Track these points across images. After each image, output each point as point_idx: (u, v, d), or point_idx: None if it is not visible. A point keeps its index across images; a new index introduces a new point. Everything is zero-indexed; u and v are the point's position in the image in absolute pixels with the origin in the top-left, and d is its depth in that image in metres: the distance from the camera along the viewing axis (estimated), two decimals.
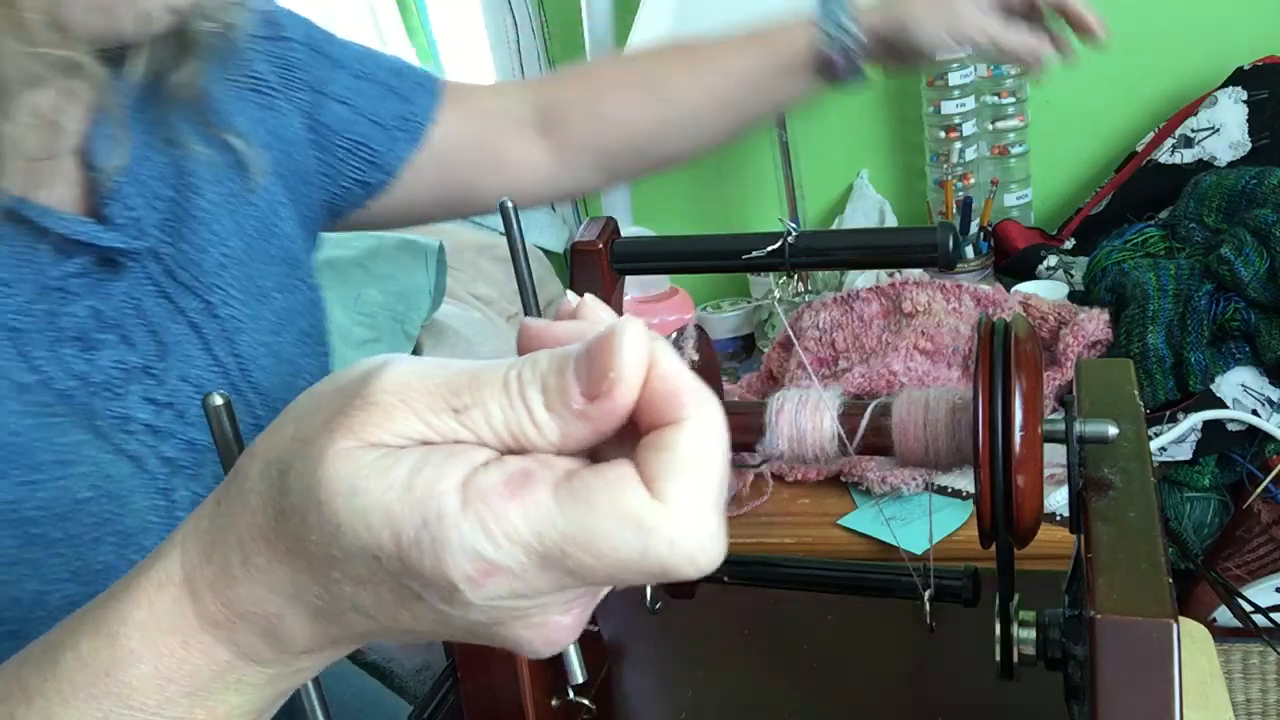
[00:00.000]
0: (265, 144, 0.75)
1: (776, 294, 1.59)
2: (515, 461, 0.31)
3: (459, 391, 0.31)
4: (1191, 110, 1.58)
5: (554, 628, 0.33)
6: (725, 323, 1.72)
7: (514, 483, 0.30)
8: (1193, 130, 1.56)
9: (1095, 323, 1.25)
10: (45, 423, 0.60)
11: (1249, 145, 1.51)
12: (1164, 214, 1.48)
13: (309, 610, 0.33)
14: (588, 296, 0.37)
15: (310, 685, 0.41)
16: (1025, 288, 1.49)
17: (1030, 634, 0.51)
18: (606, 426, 0.31)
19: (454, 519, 0.30)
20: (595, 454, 0.32)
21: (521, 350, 0.35)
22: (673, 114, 0.90)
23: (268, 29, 0.79)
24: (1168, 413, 1.23)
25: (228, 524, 0.34)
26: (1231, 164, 1.52)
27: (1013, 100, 1.68)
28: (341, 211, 0.84)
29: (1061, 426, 0.47)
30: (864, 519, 1.12)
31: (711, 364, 0.64)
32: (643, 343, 0.31)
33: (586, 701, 0.61)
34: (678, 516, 0.29)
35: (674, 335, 0.57)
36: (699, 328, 0.54)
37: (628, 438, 0.31)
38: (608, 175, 0.94)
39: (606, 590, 0.35)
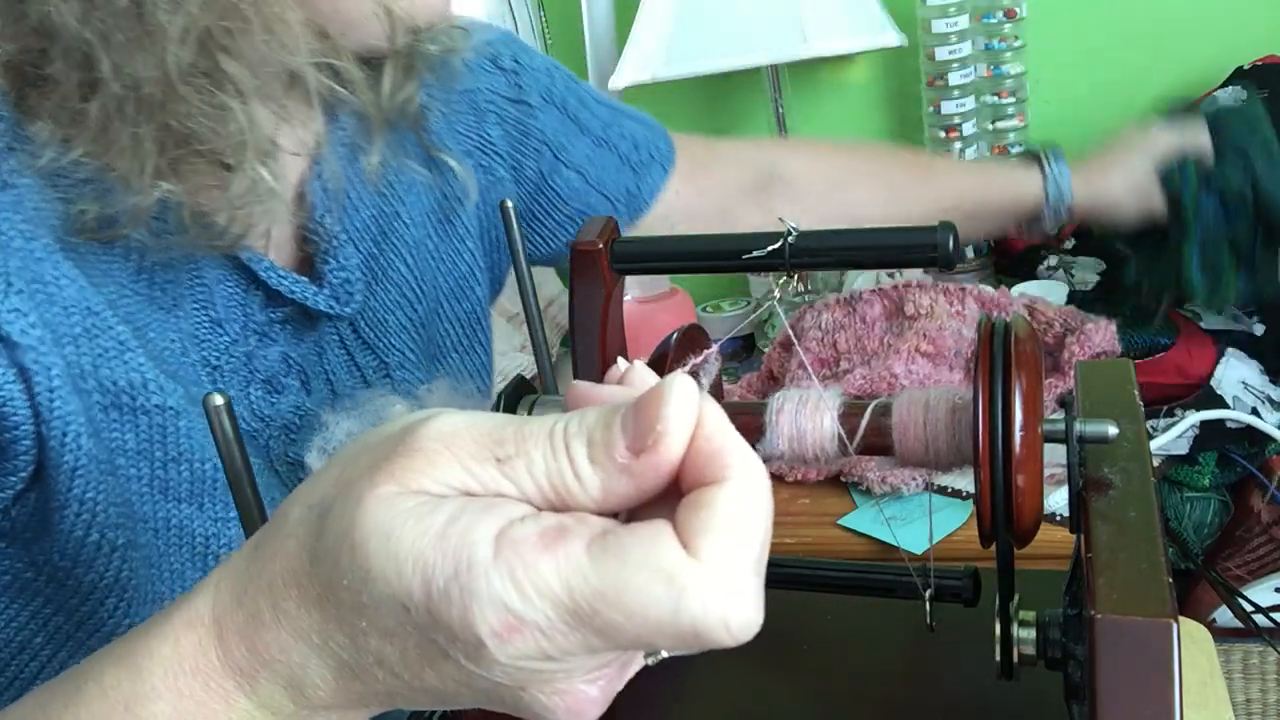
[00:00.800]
0: (477, 206, 0.76)
1: (776, 294, 1.58)
2: (552, 517, 0.30)
3: (503, 441, 0.31)
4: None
5: (579, 697, 0.31)
6: (725, 323, 1.72)
7: (548, 536, 0.29)
8: None
9: (1102, 333, 1.24)
10: None
11: None
12: None
13: (334, 663, 0.33)
14: (636, 363, 0.37)
15: None
16: (1025, 288, 1.49)
17: (1030, 634, 0.51)
18: (649, 483, 0.30)
19: (484, 568, 0.29)
20: (635, 518, 0.31)
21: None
22: (901, 217, 1.00)
23: (511, 91, 0.81)
24: (1164, 408, 1.24)
25: (262, 568, 0.34)
26: None
27: (1013, 100, 1.68)
28: (543, 263, 0.87)
29: (1061, 426, 0.47)
30: (864, 519, 1.12)
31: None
32: (691, 399, 0.30)
33: None
34: (712, 575, 0.28)
35: (669, 343, 0.57)
36: (720, 355, 0.54)
37: (669, 503, 0.31)
38: None
39: (636, 666, 0.34)
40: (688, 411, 0.30)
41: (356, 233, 0.69)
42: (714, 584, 0.28)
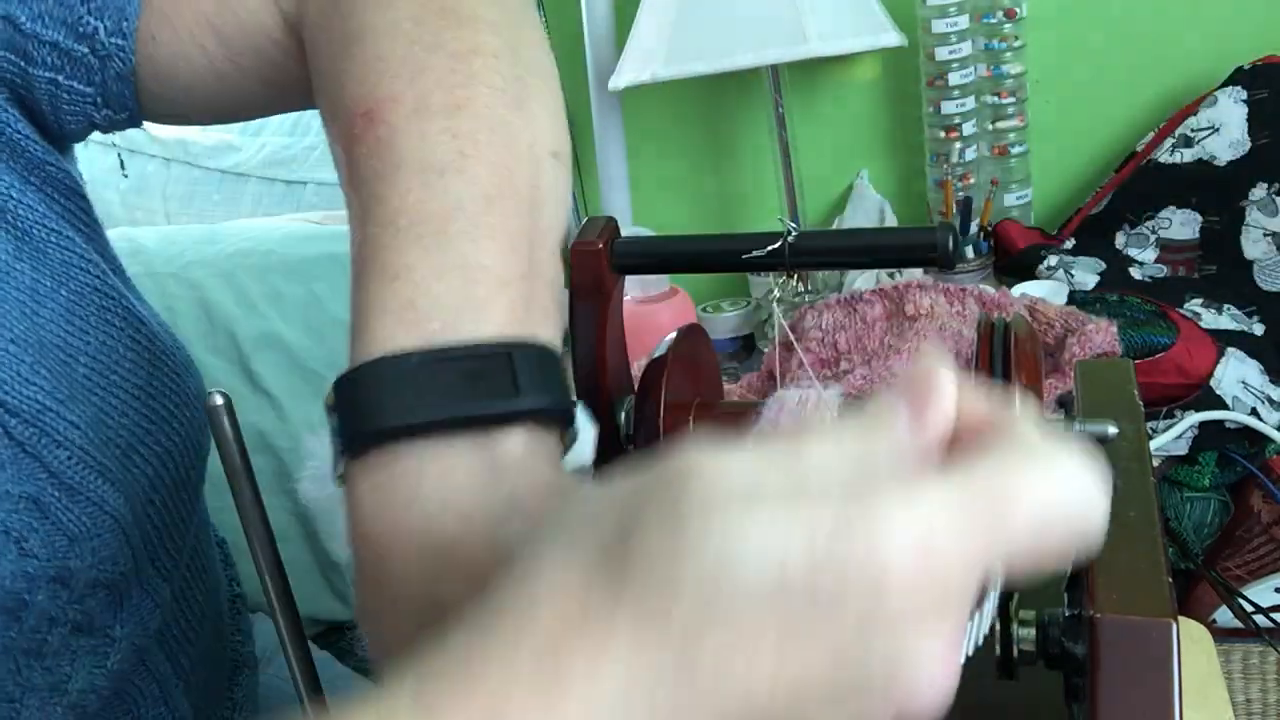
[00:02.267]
0: None
1: (776, 294, 1.58)
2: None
3: (786, 440, 0.30)
4: (1191, 110, 1.58)
5: (945, 660, 0.29)
6: (725, 323, 1.72)
7: (910, 469, 0.30)
8: (1193, 130, 1.56)
9: (1103, 335, 1.24)
10: None
11: (1249, 145, 1.51)
12: None
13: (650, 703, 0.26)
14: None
15: (305, 695, 0.40)
16: (1026, 288, 1.49)
17: (1030, 633, 0.51)
18: (934, 434, 0.31)
19: (872, 498, 0.27)
20: None
21: None
22: None
23: None
24: (1164, 408, 1.24)
25: (495, 642, 0.27)
26: (1231, 163, 1.52)
27: (1013, 100, 1.68)
28: (112, 132, 0.66)
29: (1061, 426, 0.47)
30: None
31: (712, 364, 0.64)
32: (949, 371, 0.32)
33: None
34: (1069, 453, 0.29)
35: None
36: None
37: None
38: None
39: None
40: (950, 374, 0.31)
41: None
42: (1076, 458, 0.30)
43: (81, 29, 0.60)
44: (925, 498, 0.27)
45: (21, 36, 0.60)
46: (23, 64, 0.61)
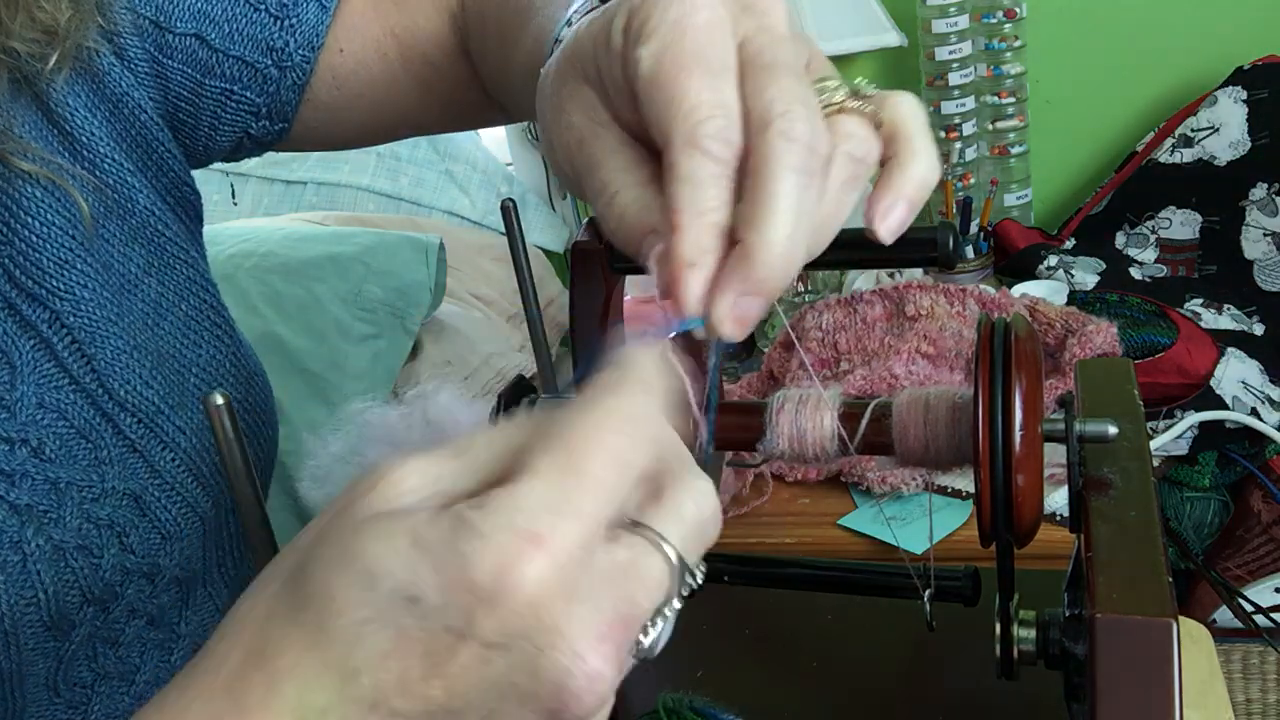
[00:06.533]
0: (98, 110, 0.61)
1: None
2: None
3: (451, 448, 0.32)
4: (1191, 110, 1.58)
5: (592, 664, 0.29)
6: None
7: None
8: (1193, 130, 1.56)
9: (1103, 335, 1.24)
10: None
11: (1249, 145, 1.51)
12: None
13: None
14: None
15: None
16: (1026, 288, 1.49)
17: (1030, 633, 0.51)
18: None
19: (475, 517, 0.29)
20: None
21: None
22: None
23: None
24: (1164, 408, 1.24)
25: (212, 667, 0.30)
26: (1231, 164, 1.52)
27: (1013, 100, 1.68)
28: (238, 158, 0.72)
29: (1061, 426, 0.47)
30: (864, 519, 1.12)
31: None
32: None
33: None
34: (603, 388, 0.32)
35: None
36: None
37: None
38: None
39: (631, 662, 0.32)
40: None
41: None
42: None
43: (270, 44, 0.66)
44: (527, 493, 0.29)
45: (208, 51, 0.64)
46: (199, 76, 0.65)
